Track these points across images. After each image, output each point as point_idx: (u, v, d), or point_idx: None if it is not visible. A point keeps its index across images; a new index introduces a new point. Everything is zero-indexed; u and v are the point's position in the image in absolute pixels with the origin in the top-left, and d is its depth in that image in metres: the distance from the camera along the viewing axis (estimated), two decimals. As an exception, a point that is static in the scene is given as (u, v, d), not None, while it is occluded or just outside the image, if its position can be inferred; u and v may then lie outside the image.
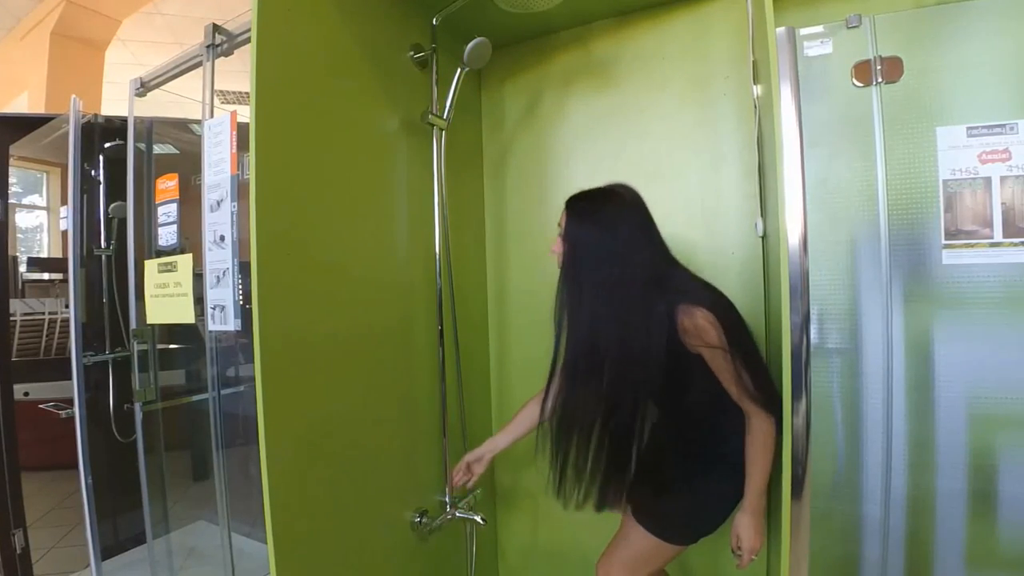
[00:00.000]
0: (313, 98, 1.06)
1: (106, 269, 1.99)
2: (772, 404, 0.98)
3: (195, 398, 1.94)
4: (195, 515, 2.10)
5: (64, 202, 1.84)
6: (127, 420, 1.90)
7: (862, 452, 1.08)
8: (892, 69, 1.04)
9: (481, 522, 1.37)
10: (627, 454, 1.03)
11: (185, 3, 3.89)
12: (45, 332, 2.38)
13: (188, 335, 1.96)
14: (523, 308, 1.67)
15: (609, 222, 1.02)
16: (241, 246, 1.04)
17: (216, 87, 1.22)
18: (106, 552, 1.83)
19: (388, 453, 1.25)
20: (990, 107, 0.98)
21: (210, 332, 1.27)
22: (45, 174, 3.17)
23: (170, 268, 1.28)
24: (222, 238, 1.08)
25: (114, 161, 1.91)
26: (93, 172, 1.96)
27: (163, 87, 1.49)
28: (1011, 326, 0.97)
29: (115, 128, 1.95)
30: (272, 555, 0.92)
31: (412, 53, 1.36)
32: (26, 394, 2.10)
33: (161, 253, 1.38)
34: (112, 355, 1.98)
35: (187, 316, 1.25)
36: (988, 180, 0.97)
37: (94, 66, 4.05)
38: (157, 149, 1.81)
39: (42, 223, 3.28)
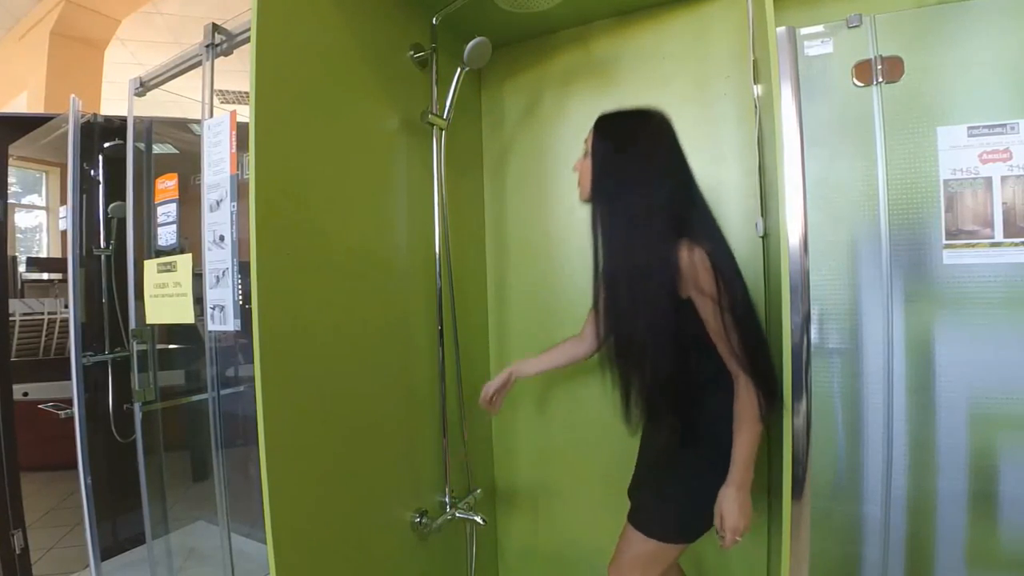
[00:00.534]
0: (313, 98, 1.06)
1: (105, 269, 1.99)
2: (759, 372, 0.95)
3: (195, 398, 1.94)
4: (195, 515, 2.09)
5: (63, 202, 1.84)
6: (126, 420, 1.90)
7: (863, 452, 1.08)
8: (893, 69, 1.04)
9: (481, 522, 1.37)
10: (664, 394, 0.98)
11: (184, 3, 3.89)
12: (44, 332, 2.38)
13: (188, 335, 1.95)
14: (523, 308, 1.67)
15: (636, 144, 0.99)
16: (241, 246, 1.04)
17: (216, 87, 1.22)
18: (105, 552, 1.83)
19: (388, 453, 1.25)
20: (991, 107, 0.98)
21: (209, 332, 1.26)
22: (44, 174, 3.17)
23: (169, 268, 1.28)
24: (222, 238, 1.08)
25: (113, 161, 1.90)
26: (92, 172, 1.95)
27: (162, 87, 1.48)
28: (1012, 326, 0.97)
29: (114, 128, 1.94)
30: (272, 556, 0.91)
31: (412, 53, 1.36)
32: (25, 394, 2.10)
33: (161, 253, 1.38)
34: (111, 355, 1.98)
35: (187, 316, 1.25)
36: (989, 180, 0.97)
37: (93, 66, 4.05)
38: (156, 149, 1.81)
39: (41, 223, 3.28)
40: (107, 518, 1.92)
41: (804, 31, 1.09)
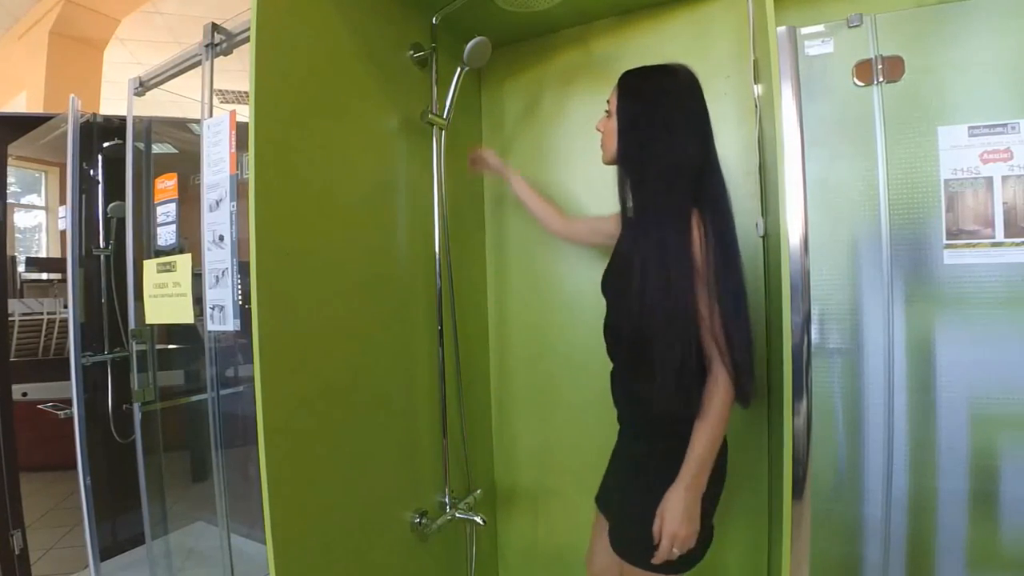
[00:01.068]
0: (312, 97, 1.06)
1: (105, 269, 1.99)
2: (736, 367, 0.87)
3: (194, 398, 1.94)
4: (194, 516, 2.09)
5: (62, 202, 1.84)
6: (126, 420, 1.90)
7: (863, 452, 1.07)
8: (893, 68, 1.04)
9: (481, 523, 1.37)
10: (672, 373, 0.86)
11: (184, 2, 3.88)
12: (44, 332, 2.37)
13: (187, 335, 1.95)
14: (523, 308, 1.67)
15: (664, 102, 0.94)
16: (240, 246, 1.04)
17: (215, 86, 1.22)
18: (105, 553, 1.82)
19: (388, 453, 1.25)
20: (992, 106, 0.97)
21: (209, 332, 1.26)
22: (43, 174, 3.17)
23: (169, 268, 1.28)
24: (221, 238, 1.07)
25: (113, 161, 1.90)
26: (92, 172, 1.95)
27: (162, 86, 1.48)
28: (1013, 326, 0.96)
29: (114, 127, 1.94)
30: (271, 556, 0.91)
31: (412, 52, 1.36)
32: (24, 394, 2.10)
33: (160, 253, 1.37)
34: (111, 355, 1.97)
35: (186, 316, 1.25)
36: (990, 180, 0.97)
37: (93, 65, 4.04)
38: (156, 149, 1.81)
39: (40, 223, 3.28)
40: (106, 518, 1.92)
41: (804, 31, 1.08)
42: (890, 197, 1.04)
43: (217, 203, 1.08)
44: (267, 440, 0.91)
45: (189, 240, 1.34)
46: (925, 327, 1.03)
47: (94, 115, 1.95)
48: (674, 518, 0.85)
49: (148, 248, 1.56)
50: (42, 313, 2.38)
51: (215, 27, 1.21)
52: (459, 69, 1.34)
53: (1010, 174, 0.96)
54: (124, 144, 1.57)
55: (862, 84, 1.06)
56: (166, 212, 1.39)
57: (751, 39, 1.27)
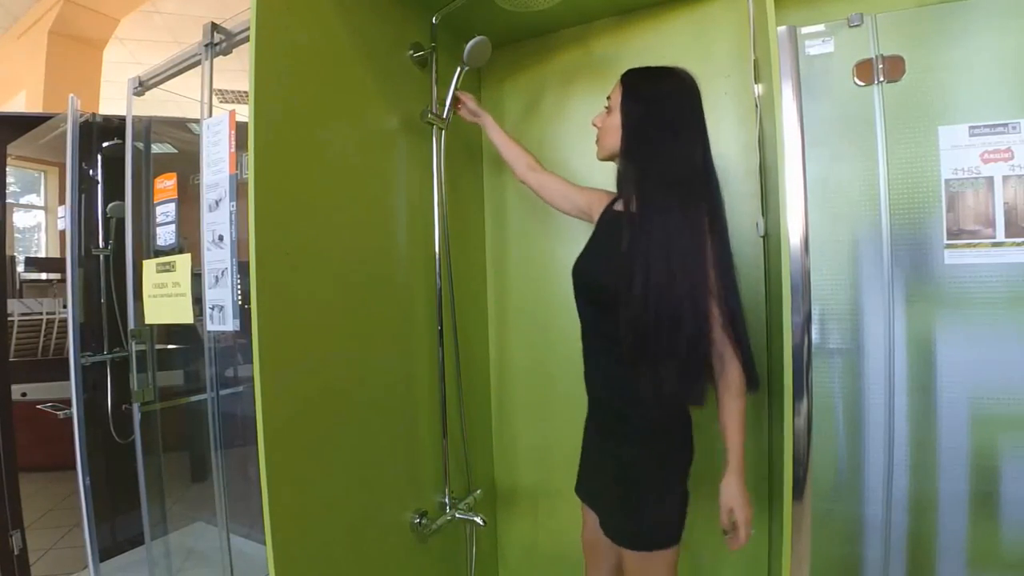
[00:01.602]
0: (312, 97, 1.06)
1: (104, 269, 1.98)
2: (746, 352, 0.94)
3: (194, 399, 1.94)
4: (194, 516, 2.09)
5: (62, 202, 1.83)
6: (125, 421, 1.90)
7: (864, 453, 1.07)
8: (894, 68, 1.04)
9: (481, 523, 1.36)
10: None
11: (183, 2, 3.88)
12: (43, 332, 2.37)
13: (186, 335, 1.95)
14: (523, 308, 1.67)
15: (669, 103, 0.97)
16: (240, 246, 1.03)
17: (215, 86, 1.22)
18: (104, 553, 1.82)
19: (388, 454, 1.25)
20: (992, 106, 0.97)
21: (209, 332, 1.26)
22: (43, 173, 3.16)
23: (168, 268, 1.28)
24: (221, 238, 1.07)
25: (112, 160, 1.90)
26: (91, 171, 1.95)
27: (161, 86, 1.48)
28: (1013, 326, 0.96)
29: (113, 127, 1.94)
30: (271, 556, 0.91)
31: (412, 52, 1.36)
32: (24, 394, 2.09)
33: (159, 253, 1.37)
34: (110, 355, 1.97)
35: (185, 316, 1.25)
36: (990, 180, 0.97)
37: (92, 65, 4.04)
38: (155, 148, 1.81)
39: (40, 223, 3.27)
40: (106, 519, 1.92)
41: (805, 30, 1.08)
42: (891, 197, 1.04)
43: (216, 203, 1.08)
44: (267, 440, 0.91)
45: (188, 240, 1.34)
46: (926, 327, 1.03)
47: (93, 115, 1.94)
48: (742, 505, 0.93)
49: (147, 248, 1.56)
50: (41, 313, 2.37)
51: (214, 27, 1.20)
52: (459, 69, 1.34)
53: (1011, 174, 0.96)
54: (123, 144, 1.57)
55: (863, 84, 1.06)
56: (165, 212, 1.39)
57: (751, 39, 1.27)
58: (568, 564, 1.61)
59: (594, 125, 1.10)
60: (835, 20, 1.08)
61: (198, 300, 1.17)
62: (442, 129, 1.38)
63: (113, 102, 3.12)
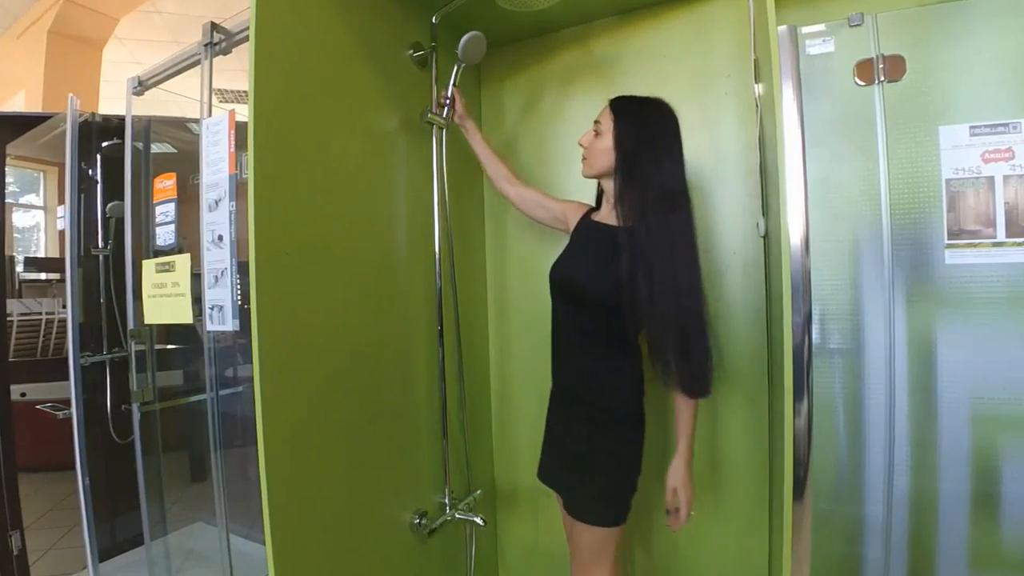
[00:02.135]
0: (312, 97, 1.05)
1: (103, 269, 1.98)
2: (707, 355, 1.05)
3: (193, 399, 1.93)
4: (193, 516, 2.09)
5: (61, 201, 1.83)
6: (125, 421, 1.89)
7: (864, 453, 1.07)
8: (894, 68, 1.04)
9: (481, 523, 1.36)
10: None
11: (183, 1, 3.88)
12: (42, 332, 2.37)
13: (186, 335, 1.95)
14: (523, 308, 1.67)
15: (659, 128, 1.08)
16: (239, 246, 1.03)
17: (214, 86, 1.22)
18: (104, 554, 1.82)
19: (388, 454, 1.25)
20: (993, 106, 0.97)
21: (208, 332, 1.26)
22: (42, 173, 3.16)
23: (168, 268, 1.27)
24: (220, 238, 1.07)
25: (111, 160, 1.89)
26: (90, 171, 1.94)
27: (161, 86, 1.48)
28: (1014, 326, 0.96)
29: (113, 127, 1.93)
30: (271, 557, 0.91)
31: (412, 52, 1.36)
32: (23, 395, 2.09)
33: (159, 253, 1.37)
34: (110, 355, 1.97)
35: (185, 316, 1.25)
36: (991, 179, 0.97)
37: (91, 65, 4.03)
38: (155, 148, 1.80)
39: (39, 223, 3.26)
40: (105, 519, 1.92)
41: (805, 30, 1.08)
42: (891, 197, 1.04)
43: (216, 203, 1.08)
44: (266, 440, 0.90)
45: (188, 240, 1.34)
46: (926, 327, 1.02)
47: (93, 114, 1.94)
48: (685, 486, 1.06)
49: (147, 248, 1.56)
50: (41, 313, 2.37)
51: (214, 26, 1.20)
52: (456, 65, 1.33)
53: (1012, 174, 0.96)
54: (123, 144, 1.57)
55: (863, 83, 1.06)
56: (165, 212, 1.38)
57: (752, 38, 1.27)
58: (568, 564, 1.61)
59: (580, 145, 1.17)
60: (836, 20, 1.08)
61: (198, 300, 1.17)
62: (442, 129, 1.38)
63: (112, 102, 3.12)
